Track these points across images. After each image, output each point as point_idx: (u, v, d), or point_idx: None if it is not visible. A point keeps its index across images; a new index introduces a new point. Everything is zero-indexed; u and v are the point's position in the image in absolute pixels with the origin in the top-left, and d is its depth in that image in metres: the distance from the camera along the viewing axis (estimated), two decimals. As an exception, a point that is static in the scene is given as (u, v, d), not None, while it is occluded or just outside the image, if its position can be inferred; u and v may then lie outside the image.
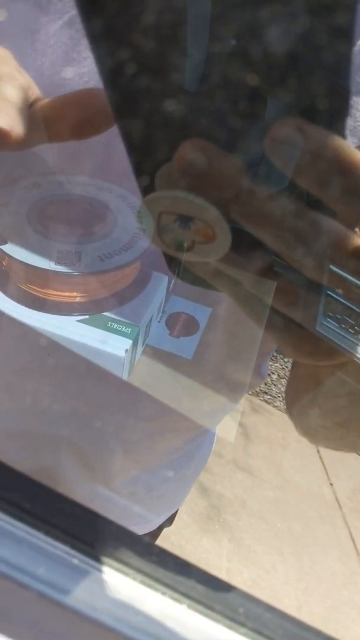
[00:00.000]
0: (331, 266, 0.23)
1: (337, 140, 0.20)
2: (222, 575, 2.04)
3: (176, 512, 0.88)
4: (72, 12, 0.44)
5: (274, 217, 0.22)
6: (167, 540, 1.84)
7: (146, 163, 0.23)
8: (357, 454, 3.02)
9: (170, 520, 0.85)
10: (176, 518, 0.90)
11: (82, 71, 0.44)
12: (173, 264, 0.28)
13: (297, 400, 0.49)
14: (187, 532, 2.11)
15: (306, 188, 0.22)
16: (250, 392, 3.21)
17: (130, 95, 0.22)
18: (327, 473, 2.90)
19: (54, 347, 0.47)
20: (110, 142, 0.46)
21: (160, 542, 0.87)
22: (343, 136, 0.21)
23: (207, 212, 0.23)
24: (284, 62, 0.19)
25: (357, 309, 0.25)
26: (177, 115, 0.22)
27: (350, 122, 0.37)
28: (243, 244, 0.25)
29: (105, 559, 0.26)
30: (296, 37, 0.19)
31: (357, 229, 0.23)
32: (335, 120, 0.21)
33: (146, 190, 0.24)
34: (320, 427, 0.50)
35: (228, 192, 0.22)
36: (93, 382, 0.53)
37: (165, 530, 0.86)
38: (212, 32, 0.19)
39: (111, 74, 0.21)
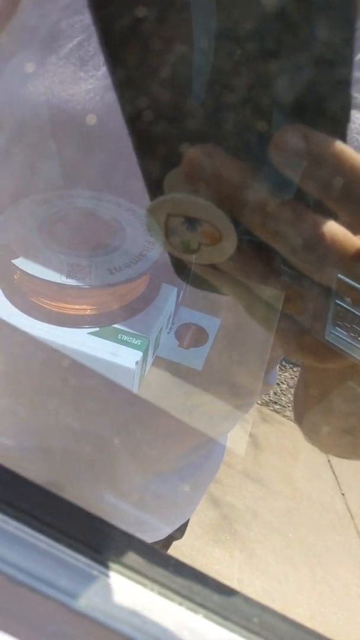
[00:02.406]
0: (339, 275, 0.24)
1: (339, 145, 0.21)
2: (234, 585, 2.02)
3: (187, 523, 0.87)
4: (81, 37, 0.48)
5: (282, 222, 0.23)
6: (178, 551, 1.83)
7: (155, 170, 0.24)
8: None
9: (181, 532, 0.85)
10: (187, 529, 0.89)
11: (88, 87, 0.47)
12: (182, 270, 0.29)
13: (305, 408, 0.49)
14: (198, 543, 2.10)
15: (310, 193, 0.22)
16: (259, 402, 3.20)
17: (141, 107, 0.22)
18: (338, 483, 2.88)
19: (64, 361, 0.48)
20: (118, 157, 0.48)
21: (171, 553, 0.87)
22: (344, 142, 0.21)
23: (214, 214, 0.23)
24: (287, 71, 0.20)
25: None
26: (184, 126, 0.23)
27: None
28: (252, 255, 0.26)
29: (123, 570, 0.26)
30: (298, 44, 0.19)
31: None
32: (337, 126, 0.21)
33: (155, 196, 0.24)
34: (327, 435, 0.50)
35: (235, 196, 0.23)
36: (102, 393, 0.53)
37: (176, 542, 0.86)
38: (217, 46, 0.20)
39: (122, 88, 0.22)
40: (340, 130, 0.21)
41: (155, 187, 0.24)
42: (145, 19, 0.20)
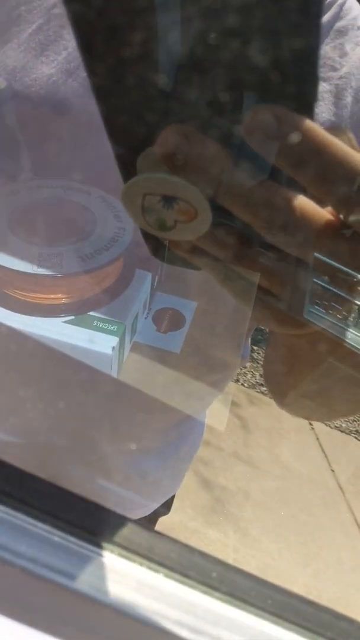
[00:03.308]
0: (315, 254, 0.24)
1: (309, 123, 0.22)
2: (229, 566, 2.04)
3: (172, 499, 0.88)
4: (40, 21, 0.47)
5: (254, 198, 0.23)
6: (172, 534, 1.84)
7: (128, 150, 0.24)
8: (324, 423, 3.04)
9: (167, 507, 0.86)
10: (180, 512, 0.90)
11: (50, 72, 0.48)
12: (157, 249, 0.29)
13: (275, 376, 0.50)
14: (192, 525, 2.11)
15: (280, 168, 0.23)
16: (246, 385, 3.22)
17: (112, 90, 0.23)
18: (327, 460, 2.91)
19: (37, 350, 0.48)
20: (85, 143, 0.48)
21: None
22: (312, 120, 0.22)
23: (188, 191, 0.23)
24: (256, 53, 0.21)
25: (343, 295, 0.26)
26: (156, 106, 0.23)
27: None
28: (229, 239, 0.26)
29: (83, 535, 0.27)
30: (266, 27, 0.20)
31: (329, 207, 0.24)
32: (305, 105, 0.22)
33: (128, 176, 0.25)
34: (292, 400, 0.51)
35: (209, 174, 0.23)
36: (81, 374, 0.54)
37: (170, 523, 0.87)
38: (183, 27, 0.20)
39: (94, 69, 0.22)
40: (308, 108, 0.22)
41: (128, 168, 0.25)
42: (115, 5, 0.20)
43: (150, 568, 0.27)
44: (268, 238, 0.25)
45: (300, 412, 0.56)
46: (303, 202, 0.23)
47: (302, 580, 2.16)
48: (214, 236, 0.26)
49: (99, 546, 0.27)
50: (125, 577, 0.26)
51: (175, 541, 0.28)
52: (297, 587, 2.09)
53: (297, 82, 0.21)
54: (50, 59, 0.47)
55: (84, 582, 0.25)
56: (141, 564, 0.26)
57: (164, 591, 0.26)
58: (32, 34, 0.48)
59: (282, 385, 0.51)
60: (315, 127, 0.22)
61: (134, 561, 0.27)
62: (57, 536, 0.26)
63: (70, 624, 0.26)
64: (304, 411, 0.56)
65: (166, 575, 0.26)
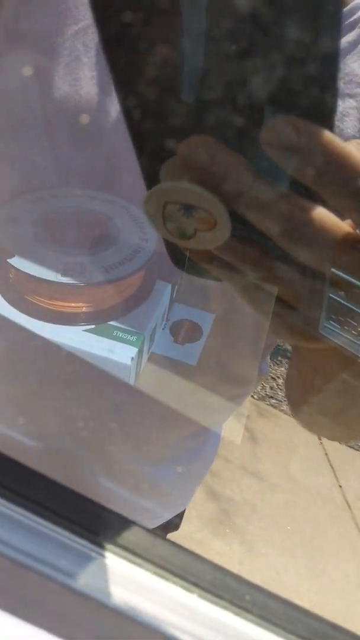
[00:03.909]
0: (332, 269, 0.24)
1: (328, 134, 0.22)
2: (234, 579, 2.02)
3: (182, 515, 0.88)
4: (86, 21, 0.48)
5: (273, 209, 0.24)
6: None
7: (152, 160, 0.25)
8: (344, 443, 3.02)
9: (179, 518, 0.86)
10: (187, 522, 0.90)
11: (92, 74, 0.48)
12: (178, 259, 0.29)
13: (295, 392, 0.50)
14: (198, 536, 2.11)
15: (300, 180, 0.23)
16: (256, 397, 3.21)
17: (138, 100, 0.23)
18: (335, 475, 2.90)
19: (60, 360, 0.48)
20: (113, 156, 0.48)
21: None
22: (332, 131, 0.22)
23: (208, 200, 0.24)
24: (276, 66, 0.21)
25: (359, 311, 0.26)
26: (180, 118, 0.23)
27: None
28: (248, 250, 0.26)
29: (120, 552, 0.27)
30: (284, 40, 0.20)
31: (349, 220, 0.24)
32: (325, 117, 0.22)
33: (152, 185, 0.25)
34: (312, 418, 0.51)
35: (228, 184, 0.23)
36: (98, 377, 0.54)
37: (176, 534, 0.87)
38: (207, 43, 0.21)
39: (120, 82, 0.23)
40: (328, 120, 0.22)
41: (152, 177, 0.25)
42: (140, 19, 0.21)
43: (184, 588, 0.27)
44: (287, 250, 0.25)
45: (315, 428, 0.56)
46: (322, 214, 0.24)
47: (307, 596, 2.14)
48: (234, 246, 0.26)
49: (135, 564, 0.27)
50: (160, 596, 0.26)
51: (209, 562, 0.28)
52: (302, 602, 2.06)
53: (316, 94, 0.22)
54: (92, 62, 0.48)
55: (117, 598, 0.25)
56: (175, 583, 0.27)
57: (197, 611, 0.26)
58: (77, 32, 0.48)
59: (299, 398, 0.50)
60: (335, 138, 0.22)
61: (168, 580, 0.27)
62: (94, 552, 0.26)
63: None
64: (320, 428, 0.56)
65: (200, 596, 0.27)
